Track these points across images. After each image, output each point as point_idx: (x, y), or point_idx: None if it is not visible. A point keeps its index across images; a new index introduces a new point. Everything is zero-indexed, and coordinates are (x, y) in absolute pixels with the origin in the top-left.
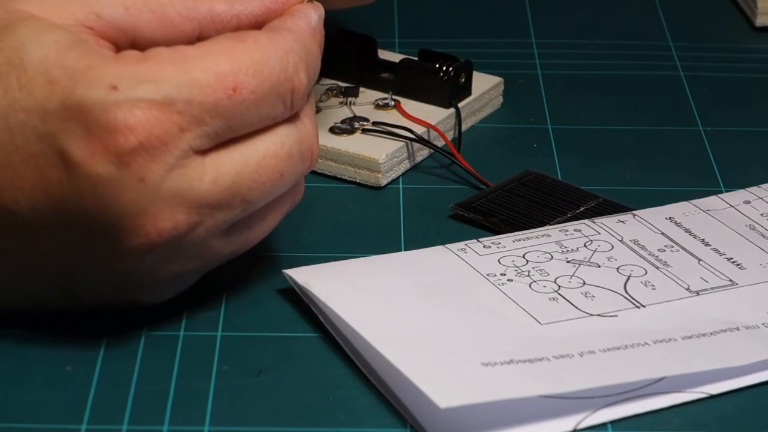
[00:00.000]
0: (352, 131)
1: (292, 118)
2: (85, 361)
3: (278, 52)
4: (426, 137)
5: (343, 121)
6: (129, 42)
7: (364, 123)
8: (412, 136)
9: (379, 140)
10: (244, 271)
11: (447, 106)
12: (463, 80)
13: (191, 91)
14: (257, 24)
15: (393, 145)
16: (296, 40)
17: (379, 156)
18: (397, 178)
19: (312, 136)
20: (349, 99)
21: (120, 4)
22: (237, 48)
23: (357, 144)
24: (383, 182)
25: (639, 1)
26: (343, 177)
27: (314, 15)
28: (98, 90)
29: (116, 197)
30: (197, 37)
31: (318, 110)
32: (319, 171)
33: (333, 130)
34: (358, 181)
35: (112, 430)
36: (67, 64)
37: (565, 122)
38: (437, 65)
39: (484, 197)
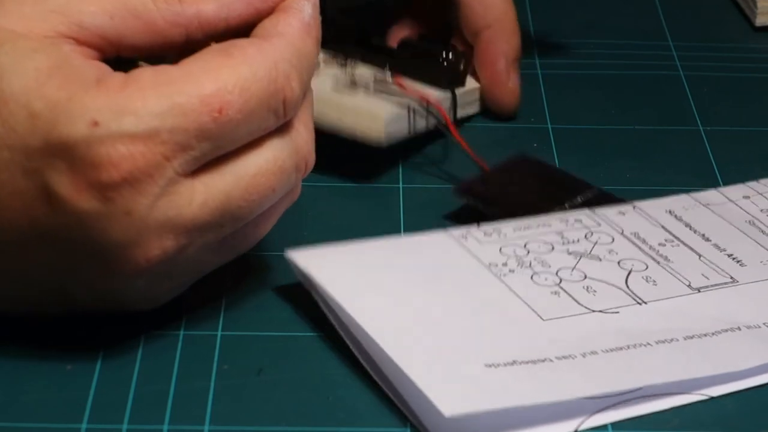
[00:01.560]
0: (354, 90)
1: (285, 127)
2: (85, 360)
3: (267, 62)
4: (424, 114)
5: (345, 82)
6: (114, 49)
7: (367, 85)
8: (413, 102)
9: (381, 101)
10: (244, 271)
11: (444, 88)
12: (462, 67)
13: (175, 119)
14: (247, 25)
15: (395, 105)
16: (287, 45)
17: (381, 110)
18: (397, 145)
19: (307, 144)
20: (349, 63)
21: (104, 13)
22: (222, 65)
23: (359, 100)
24: (384, 139)
25: (639, 1)
26: (343, 130)
27: (308, 8)
28: (80, 126)
29: (103, 231)
30: (184, 41)
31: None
32: (318, 123)
33: (335, 89)
34: (357, 135)
35: (112, 429)
36: (48, 95)
37: (565, 122)
38: (438, 49)
39: (484, 181)
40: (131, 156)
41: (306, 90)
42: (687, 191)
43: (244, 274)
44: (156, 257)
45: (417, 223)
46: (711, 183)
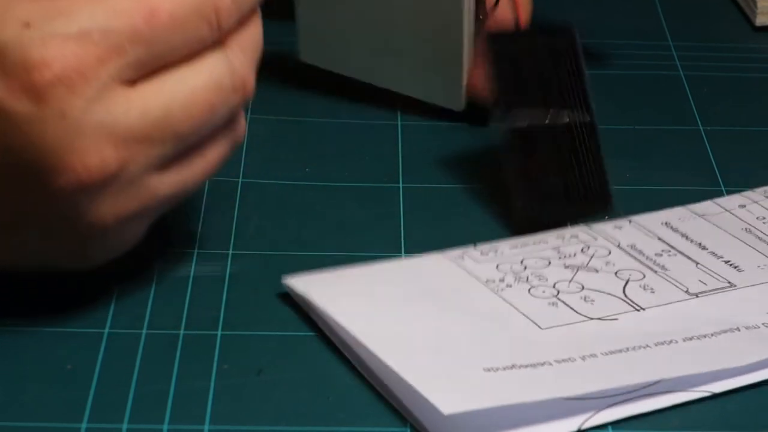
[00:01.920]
0: None
1: (221, 46)
2: (85, 359)
3: None
4: None
5: None
6: None
7: None
8: None
9: None
10: (244, 270)
11: None
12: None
13: (107, 20)
14: None
15: None
16: None
17: None
18: None
19: (244, 67)
20: None
21: None
22: None
23: None
24: None
25: (639, 1)
26: None
27: None
28: (11, 29)
29: (39, 134)
30: None
31: None
32: None
33: None
34: None
35: (112, 429)
36: None
37: None
38: None
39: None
40: (63, 56)
41: (243, 8)
42: (687, 191)
43: (244, 274)
44: (94, 166)
45: (417, 223)
46: (711, 183)
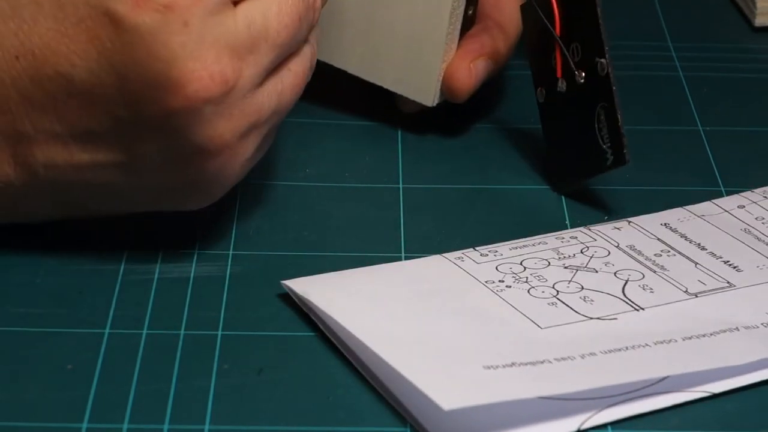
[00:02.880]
0: None
1: None
2: (86, 359)
3: None
4: None
5: None
6: None
7: None
8: None
9: None
10: (244, 270)
11: None
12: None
13: None
14: None
15: None
16: None
17: None
18: None
19: None
20: None
21: None
22: None
23: None
24: None
25: (639, 1)
26: None
27: None
28: None
29: (164, 43)
30: None
31: None
32: None
33: None
34: None
35: (112, 429)
36: None
37: None
38: None
39: None
40: None
41: None
42: (687, 191)
43: (244, 274)
44: (217, 73)
45: (417, 223)
46: (711, 183)
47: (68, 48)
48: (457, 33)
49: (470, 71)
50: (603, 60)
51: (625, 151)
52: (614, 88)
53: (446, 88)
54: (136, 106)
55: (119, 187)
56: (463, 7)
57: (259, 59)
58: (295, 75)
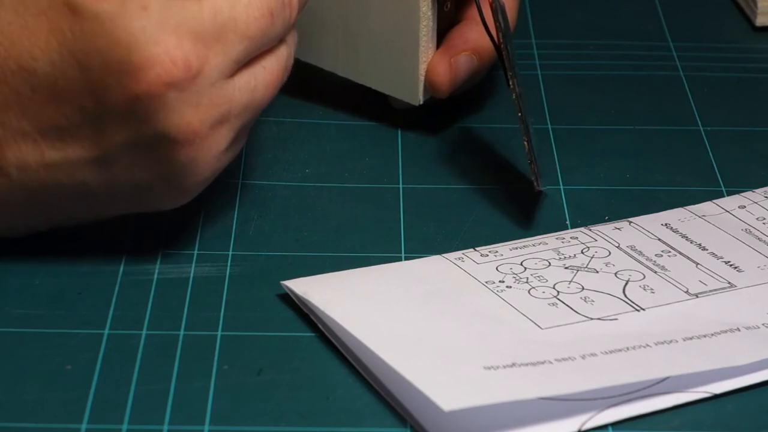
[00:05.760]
0: None
1: None
2: (85, 360)
3: None
4: None
5: None
6: None
7: None
8: None
9: None
10: (244, 271)
11: None
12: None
13: None
14: None
15: None
16: None
17: None
18: None
19: None
20: None
21: None
22: None
23: None
24: None
25: (639, 1)
26: None
27: None
28: None
29: (124, 28)
30: None
31: None
32: None
33: None
34: None
35: (112, 429)
36: None
37: (565, 122)
38: None
39: None
40: None
41: None
42: (687, 191)
43: (244, 274)
44: (180, 59)
45: (417, 223)
46: (711, 183)
47: (29, 41)
48: (434, 30)
49: (450, 66)
50: (510, 81)
51: (533, 179)
52: (519, 114)
53: (428, 83)
54: (100, 95)
55: (93, 186)
56: (436, 4)
57: (227, 49)
58: (269, 73)
